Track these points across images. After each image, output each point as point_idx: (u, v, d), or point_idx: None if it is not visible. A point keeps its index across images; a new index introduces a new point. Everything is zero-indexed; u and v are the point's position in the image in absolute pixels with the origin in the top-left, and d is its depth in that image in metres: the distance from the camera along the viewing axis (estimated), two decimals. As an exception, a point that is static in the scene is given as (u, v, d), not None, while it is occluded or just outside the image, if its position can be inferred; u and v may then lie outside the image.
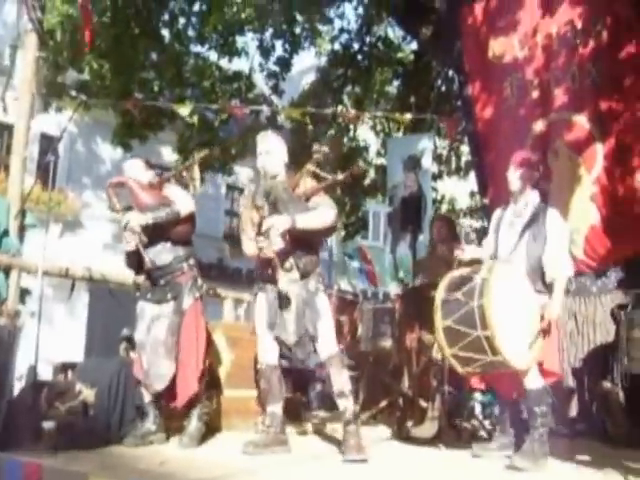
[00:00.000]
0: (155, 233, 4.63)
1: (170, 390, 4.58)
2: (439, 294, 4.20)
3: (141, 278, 4.84)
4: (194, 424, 4.59)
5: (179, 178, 5.09)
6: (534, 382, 4.19)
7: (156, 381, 4.55)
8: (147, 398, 4.65)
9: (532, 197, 4.63)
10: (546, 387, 4.25)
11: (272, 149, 4.53)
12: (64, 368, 5.56)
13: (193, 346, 4.62)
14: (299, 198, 4.40)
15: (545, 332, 4.25)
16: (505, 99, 6.98)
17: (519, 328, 4.10)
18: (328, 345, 4.30)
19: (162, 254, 4.68)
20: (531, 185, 4.64)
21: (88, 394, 4.57)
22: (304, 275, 4.35)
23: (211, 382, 4.99)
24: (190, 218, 4.79)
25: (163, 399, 4.65)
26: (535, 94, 6.79)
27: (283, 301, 4.34)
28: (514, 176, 4.64)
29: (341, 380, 4.25)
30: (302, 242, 4.34)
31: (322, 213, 4.34)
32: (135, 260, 4.71)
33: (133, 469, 3.79)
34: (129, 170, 4.91)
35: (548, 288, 4.39)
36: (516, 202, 4.66)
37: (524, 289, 4.26)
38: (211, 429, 4.96)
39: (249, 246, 4.47)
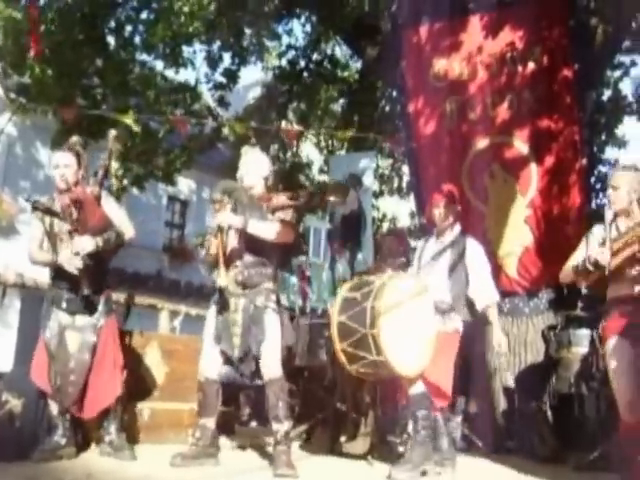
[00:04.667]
0: (92, 255, 4.37)
1: (80, 402, 4.40)
2: (341, 292, 4.36)
3: (49, 287, 4.61)
4: (117, 437, 4.47)
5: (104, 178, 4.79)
6: (416, 388, 4.35)
7: (65, 397, 4.35)
8: (55, 411, 4.40)
9: (455, 229, 4.86)
10: (426, 393, 4.40)
11: (252, 162, 4.61)
12: (-9, 378, 5.40)
13: (110, 360, 4.48)
14: (260, 207, 4.45)
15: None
16: (444, 120, 7.10)
17: (408, 336, 4.21)
18: (270, 368, 4.29)
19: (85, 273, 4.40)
20: (454, 218, 4.86)
21: (15, 404, 4.44)
22: (248, 285, 4.35)
23: (142, 394, 4.92)
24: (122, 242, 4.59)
25: (73, 411, 4.43)
26: (474, 115, 6.93)
27: (223, 306, 4.34)
28: (438, 210, 4.84)
29: (278, 406, 4.25)
30: (254, 251, 4.36)
31: (277, 227, 4.38)
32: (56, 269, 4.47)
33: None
34: (61, 164, 4.56)
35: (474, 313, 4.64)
36: (439, 235, 4.86)
37: (424, 303, 4.38)
38: (142, 441, 4.90)
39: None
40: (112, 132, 4.98)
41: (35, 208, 4.52)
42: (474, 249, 4.78)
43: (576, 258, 4.03)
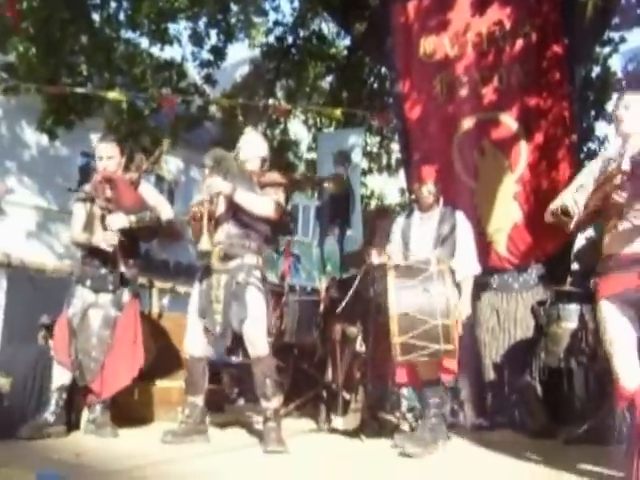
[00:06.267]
0: (125, 232, 4.54)
1: (97, 381, 4.48)
2: (390, 282, 4.23)
3: (66, 263, 4.73)
4: (101, 414, 4.51)
5: (150, 171, 5.04)
6: (432, 374, 4.41)
7: (87, 373, 4.44)
8: (55, 384, 4.47)
9: (440, 204, 4.91)
10: (441, 379, 4.46)
11: (251, 141, 4.70)
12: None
13: (130, 340, 4.58)
14: (250, 180, 4.46)
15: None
16: (434, 97, 7.03)
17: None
18: (256, 347, 4.28)
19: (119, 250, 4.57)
20: (439, 195, 4.93)
21: (3, 383, 4.40)
22: (229, 256, 4.32)
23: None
24: (157, 227, 4.74)
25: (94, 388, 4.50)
26: (463, 93, 6.87)
27: (206, 283, 4.34)
28: (427, 188, 4.87)
29: (265, 383, 4.25)
30: (239, 223, 4.36)
31: (264, 201, 4.39)
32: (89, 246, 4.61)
33: (47, 460, 3.69)
34: (104, 155, 4.70)
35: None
36: (425, 210, 4.90)
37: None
38: (133, 420, 4.89)
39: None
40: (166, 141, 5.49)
41: (77, 197, 4.76)
42: (463, 223, 4.85)
43: (558, 199, 3.70)
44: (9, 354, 4.83)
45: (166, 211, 4.78)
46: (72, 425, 4.57)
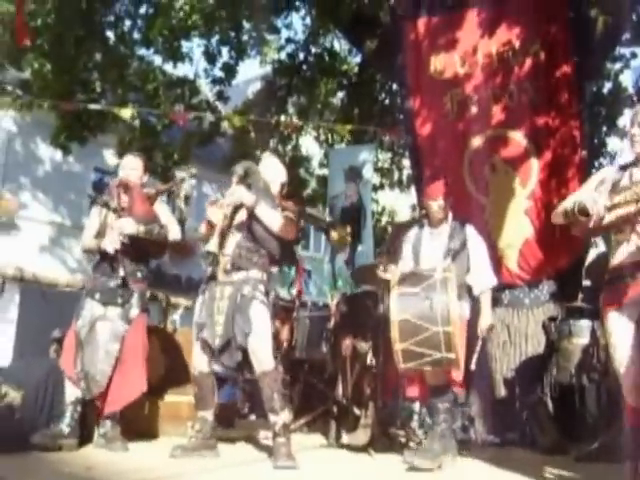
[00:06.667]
0: (133, 242, 4.61)
1: (104, 394, 4.51)
2: (394, 288, 4.24)
3: (78, 277, 4.78)
4: (111, 429, 4.53)
5: (168, 193, 5.12)
6: (439, 379, 4.40)
7: (93, 385, 4.47)
8: (69, 398, 4.50)
9: (449, 219, 4.91)
10: (449, 385, 4.46)
11: (272, 166, 4.74)
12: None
13: (138, 355, 4.60)
14: (273, 198, 4.48)
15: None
16: (444, 114, 7.08)
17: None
18: (262, 361, 4.25)
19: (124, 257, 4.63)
20: (449, 210, 4.93)
21: (14, 397, 4.43)
22: (235, 266, 4.33)
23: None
24: (166, 245, 4.82)
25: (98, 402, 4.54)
26: (474, 110, 6.91)
27: (209, 294, 4.34)
28: (437, 203, 4.87)
29: (273, 398, 4.22)
30: (253, 236, 4.37)
31: (283, 219, 4.39)
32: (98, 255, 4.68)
33: (58, 473, 3.71)
34: (127, 167, 4.84)
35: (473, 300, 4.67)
36: (435, 225, 4.92)
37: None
38: (143, 434, 4.90)
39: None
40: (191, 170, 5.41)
41: (93, 201, 4.94)
42: (474, 238, 4.87)
43: (571, 199, 3.55)
44: (21, 367, 4.88)
45: (174, 232, 4.82)
46: (84, 439, 4.57)
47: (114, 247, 4.53)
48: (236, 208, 4.37)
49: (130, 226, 4.56)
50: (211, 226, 4.38)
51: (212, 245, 4.24)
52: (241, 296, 4.27)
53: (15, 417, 4.34)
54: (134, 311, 4.64)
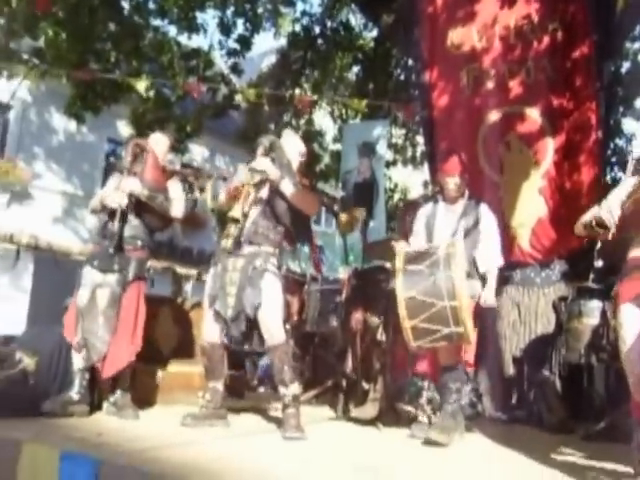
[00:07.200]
0: (135, 206, 4.66)
1: (102, 360, 4.55)
2: (399, 267, 4.23)
3: (89, 246, 4.80)
4: (121, 396, 4.59)
5: (185, 178, 5.15)
6: (452, 359, 4.43)
7: (93, 352, 4.50)
8: (77, 366, 4.55)
9: (465, 197, 4.92)
10: (461, 365, 4.51)
11: (292, 143, 4.74)
12: (6, 341, 5.46)
13: (131, 321, 4.62)
14: (295, 174, 4.50)
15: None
16: (461, 89, 7.02)
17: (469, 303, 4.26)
18: (272, 334, 4.27)
19: (125, 225, 4.68)
20: (465, 187, 4.94)
21: (28, 363, 4.48)
22: (248, 239, 4.34)
23: (155, 357, 4.97)
24: (171, 219, 4.89)
25: (99, 367, 4.57)
26: (490, 85, 6.85)
27: (221, 265, 4.35)
28: (454, 180, 4.87)
29: (283, 370, 4.25)
30: (271, 212, 4.39)
31: (305, 194, 4.44)
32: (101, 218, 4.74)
33: (69, 438, 3.75)
34: (154, 143, 4.93)
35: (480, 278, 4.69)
36: (451, 203, 4.92)
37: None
38: (153, 403, 4.95)
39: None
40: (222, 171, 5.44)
41: (112, 168, 4.86)
42: (487, 216, 4.86)
43: (593, 211, 3.59)
44: (35, 334, 4.93)
45: (177, 208, 4.85)
46: (95, 406, 4.63)
47: (117, 202, 4.57)
48: (258, 184, 4.36)
49: (135, 186, 4.63)
50: (232, 194, 4.38)
51: (236, 211, 4.24)
52: (253, 268, 4.28)
53: (29, 383, 4.39)
54: (130, 276, 4.65)
